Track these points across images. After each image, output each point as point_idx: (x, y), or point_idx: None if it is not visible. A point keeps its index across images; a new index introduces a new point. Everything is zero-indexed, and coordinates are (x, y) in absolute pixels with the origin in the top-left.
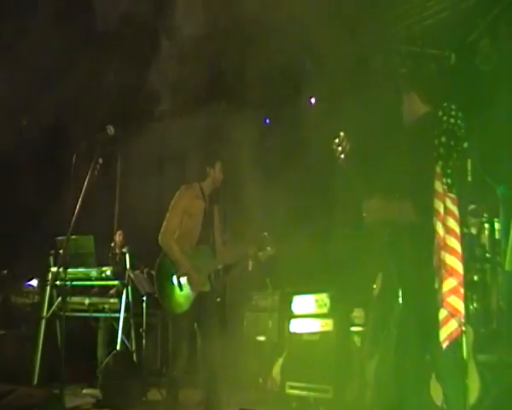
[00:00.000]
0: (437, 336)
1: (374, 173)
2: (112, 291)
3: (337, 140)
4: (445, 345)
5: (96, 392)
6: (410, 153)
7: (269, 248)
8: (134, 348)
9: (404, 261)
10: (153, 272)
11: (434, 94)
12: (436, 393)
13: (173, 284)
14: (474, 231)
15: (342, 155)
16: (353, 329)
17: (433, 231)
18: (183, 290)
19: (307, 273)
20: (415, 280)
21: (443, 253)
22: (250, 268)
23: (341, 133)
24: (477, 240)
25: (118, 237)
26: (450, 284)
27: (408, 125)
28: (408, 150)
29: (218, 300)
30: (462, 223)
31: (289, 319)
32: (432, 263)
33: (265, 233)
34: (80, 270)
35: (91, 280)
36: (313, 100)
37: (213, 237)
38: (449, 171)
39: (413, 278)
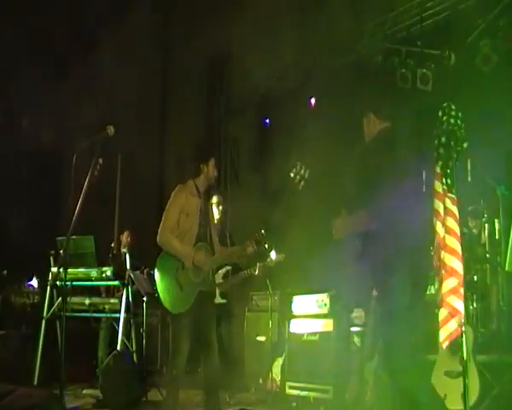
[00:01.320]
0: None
1: (335, 192)
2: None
3: (294, 170)
4: (444, 345)
5: (96, 392)
6: (370, 166)
7: (274, 253)
8: (134, 348)
9: (376, 267)
10: (153, 272)
11: (389, 110)
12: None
13: (173, 284)
14: (475, 230)
15: (302, 183)
16: (353, 329)
17: (434, 231)
18: (182, 291)
19: (307, 274)
20: (388, 284)
21: (443, 253)
22: (257, 272)
23: (298, 163)
24: (477, 240)
25: (125, 237)
26: (450, 284)
27: (368, 142)
28: (368, 164)
29: (225, 301)
30: (462, 223)
31: (289, 320)
32: (402, 265)
33: (263, 231)
34: (80, 270)
35: (91, 280)
36: (313, 100)
37: (210, 235)
38: (449, 171)
39: (386, 282)
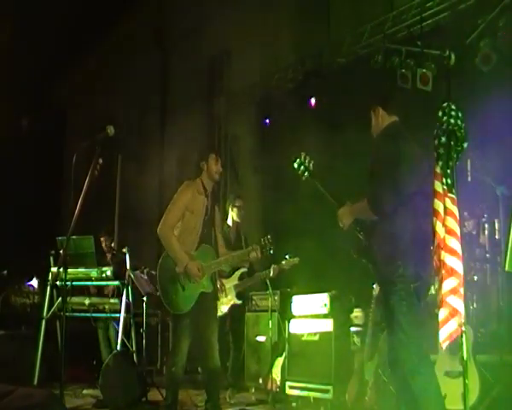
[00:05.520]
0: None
1: (340, 182)
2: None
3: (298, 160)
4: (444, 345)
5: (96, 392)
6: (375, 160)
7: (290, 257)
8: (134, 348)
9: (376, 261)
10: (153, 272)
11: (397, 105)
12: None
13: (176, 284)
14: (473, 231)
15: (306, 173)
16: (353, 329)
17: (434, 231)
18: (185, 291)
19: (308, 274)
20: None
21: (443, 253)
22: (272, 274)
23: (302, 153)
24: (477, 240)
25: (104, 242)
26: (450, 284)
27: (375, 136)
28: (373, 158)
29: (240, 302)
30: (462, 223)
31: (289, 320)
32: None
33: (269, 236)
34: (80, 270)
35: (91, 280)
36: (313, 100)
37: (215, 236)
38: (449, 171)
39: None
